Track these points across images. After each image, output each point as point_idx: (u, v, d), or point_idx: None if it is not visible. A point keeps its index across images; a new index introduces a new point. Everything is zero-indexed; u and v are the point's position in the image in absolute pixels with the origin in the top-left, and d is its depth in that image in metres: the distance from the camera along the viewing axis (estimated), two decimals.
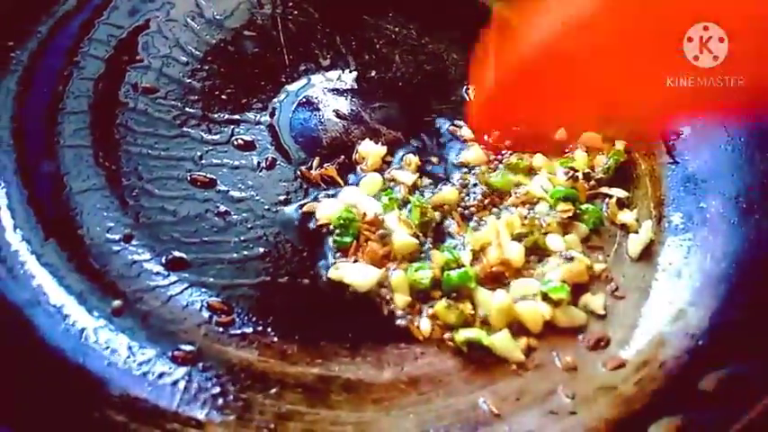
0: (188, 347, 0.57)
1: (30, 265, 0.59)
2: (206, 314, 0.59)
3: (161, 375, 0.55)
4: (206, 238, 0.63)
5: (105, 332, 0.57)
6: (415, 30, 0.80)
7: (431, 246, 0.64)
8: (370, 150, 0.69)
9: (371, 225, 0.63)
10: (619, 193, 0.69)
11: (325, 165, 0.69)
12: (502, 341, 0.59)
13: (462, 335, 0.59)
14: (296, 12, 0.78)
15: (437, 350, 0.60)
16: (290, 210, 0.66)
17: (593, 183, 0.70)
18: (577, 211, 0.66)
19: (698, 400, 0.54)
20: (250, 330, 0.59)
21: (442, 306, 0.60)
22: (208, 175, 0.67)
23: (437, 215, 0.65)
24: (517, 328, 0.60)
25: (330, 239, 0.64)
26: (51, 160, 0.65)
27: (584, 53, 0.66)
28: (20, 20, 0.71)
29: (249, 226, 0.64)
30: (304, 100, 0.73)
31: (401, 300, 0.60)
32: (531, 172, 0.70)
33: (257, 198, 0.66)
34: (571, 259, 0.62)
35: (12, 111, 0.66)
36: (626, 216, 0.67)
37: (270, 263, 0.63)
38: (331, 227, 0.64)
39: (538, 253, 0.64)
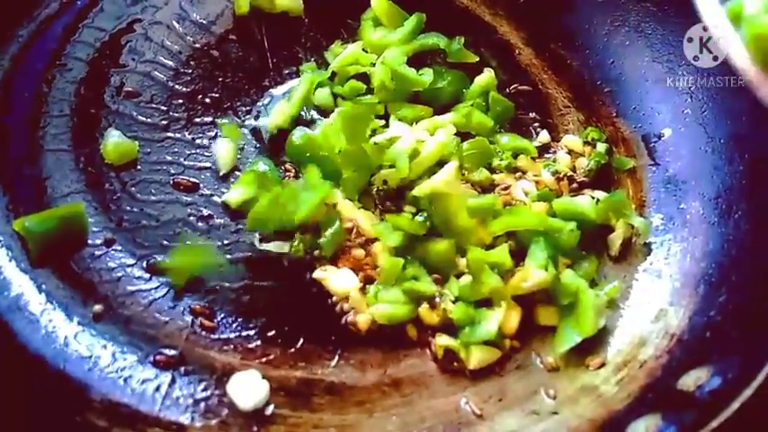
0: (170, 352, 0.57)
1: (9, 269, 0.58)
2: (188, 318, 0.59)
3: (143, 380, 0.55)
4: (189, 243, 0.63)
5: (86, 337, 0.56)
6: None
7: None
8: None
9: (352, 233, 0.64)
10: (600, 194, 0.69)
11: None
12: (477, 357, 0.59)
13: (440, 341, 0.59)
14: (279, 16, 0.78)
15: (420, 352, 0.60)
16: None
17: (575, 185, 0.70)
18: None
19: (677, 398, 0.54)
20: (233, 335, 0.59)
21: (424, 308, 0.60)
22: (191, 179, 0.67)
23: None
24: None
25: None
26: (33, 164, 0.64)
27: None
28: (0, 24, 0.70)
29: (232, 230, 0.64)
30: None
31: (363, 319, 0.60)
32: (516, 171, 0.71)
33: None
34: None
35: None
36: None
37: (252, 267, 0.63)
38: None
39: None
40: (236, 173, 0.68)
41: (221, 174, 0.67)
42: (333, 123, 0.67)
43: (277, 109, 0.71)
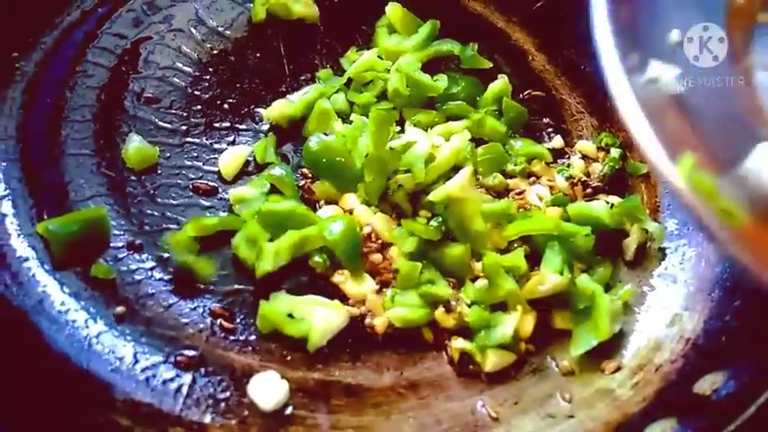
0: (190, 353, 0.58)
1: (34, 271, 0.60)
2: (208, 320, 0.60)
3: (164, 380, 0.56)
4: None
5: (109, 338, 0.57)
6: None
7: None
8: None
9: (369, 238, 0.64)
10: (614, 199, 0.70)
11: None
12: (492, 360, 0.59)
13: (456, 345, 0.60)
14: (295, 23, 0.79)
15: (436, 355, 0.61)
16: None
17: (589, 190, 0.71)
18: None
19: (693, 402, 0.54)
20: (252, 337, 0.60)
21: (440, 311, 0.61)
22: (210, 183, 0.68)
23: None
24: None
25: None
26: (56, 169, 0.65)
27: None
28: (24, 31, 0.72)
29: None
30: None
31: (380, 322, 0.61)
32: (530, 176, 0.71)
33: None
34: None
35: (17, 120, 0.67)
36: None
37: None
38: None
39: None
40: (253, 177, 0.69)
41: (227, 180, 0.68)
42: (351, 129, 0.68)
43: (278, 104, 0.71)
